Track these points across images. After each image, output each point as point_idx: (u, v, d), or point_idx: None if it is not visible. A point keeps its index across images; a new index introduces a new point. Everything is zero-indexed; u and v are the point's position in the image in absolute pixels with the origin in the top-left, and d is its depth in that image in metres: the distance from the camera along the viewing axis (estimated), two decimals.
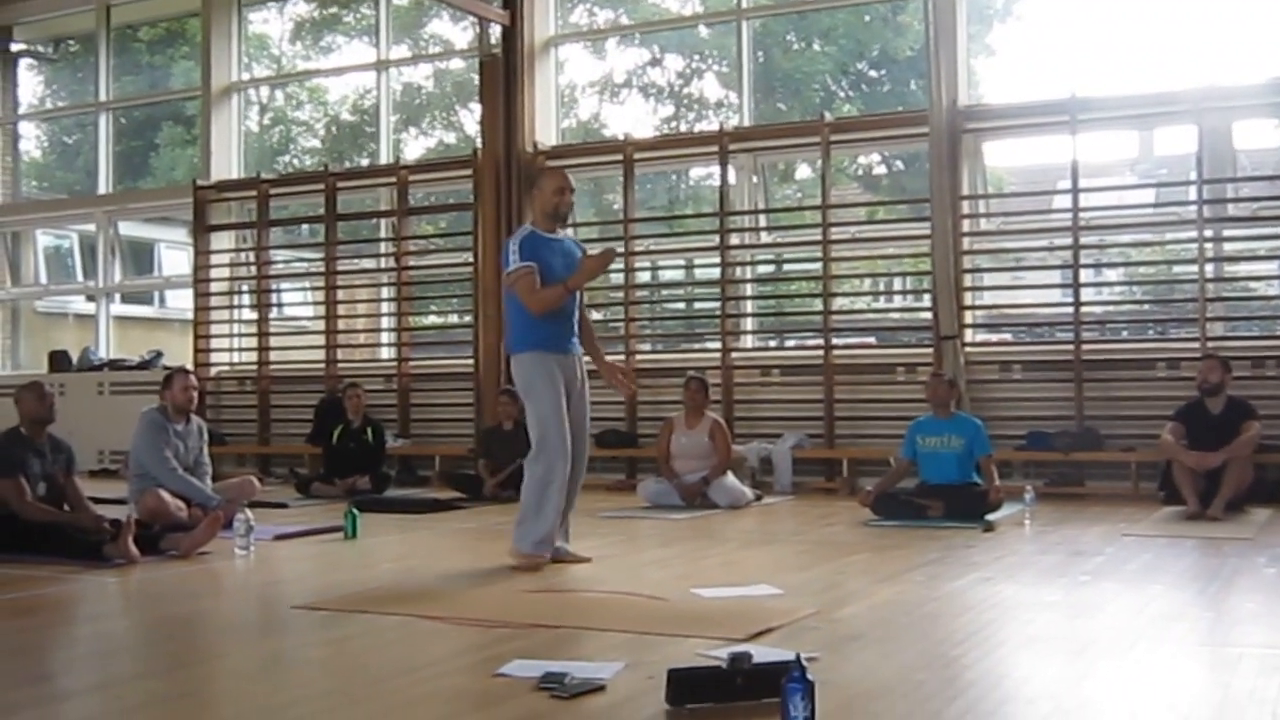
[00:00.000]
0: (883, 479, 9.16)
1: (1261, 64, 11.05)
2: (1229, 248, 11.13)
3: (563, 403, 6.61)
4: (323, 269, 14.12)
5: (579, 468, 6.80)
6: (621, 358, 12.34)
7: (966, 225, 11.40)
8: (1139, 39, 12.25)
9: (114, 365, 15.21)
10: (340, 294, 14.36)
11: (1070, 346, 10.81)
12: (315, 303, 14.91)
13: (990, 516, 8.30)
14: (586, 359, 6.96)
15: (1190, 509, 8.49)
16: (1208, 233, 10.58)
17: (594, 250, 6.95)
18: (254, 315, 14.55)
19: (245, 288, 14.83)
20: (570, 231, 7.41)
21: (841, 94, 14.61)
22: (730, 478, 9.95)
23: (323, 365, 13.81)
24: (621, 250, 12.52)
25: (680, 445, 9.94)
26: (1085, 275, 11.13)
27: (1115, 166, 14.19)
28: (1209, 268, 10.58)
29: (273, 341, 14.41)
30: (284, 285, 15.84)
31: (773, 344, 13.03)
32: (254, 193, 14.38)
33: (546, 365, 6.61)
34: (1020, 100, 11.55)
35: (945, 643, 4.66)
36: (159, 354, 15.14)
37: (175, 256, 17.91)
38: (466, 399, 12.86)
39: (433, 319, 15.93)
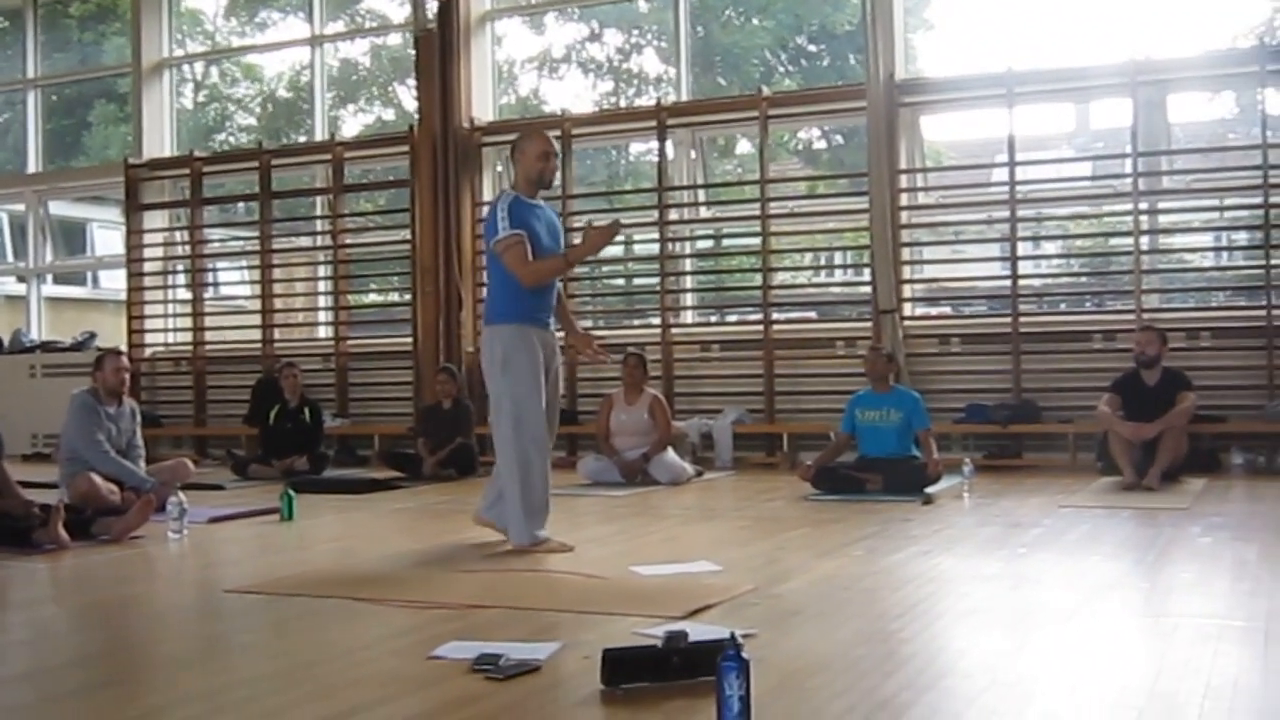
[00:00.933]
0: (822, 453, 9.17)
1: (1195, 37, 11.15)
2: (1164, 220, 11.21)
3: (542, 380, 6.33)
4: (258, 248, 13.96)
5: (547, 449, 6.52)
6: (561, 333, 12.27)
7: (905, 199, 11.42)
8: (1074, 12, 12.30)
9: (46, 347, 14.97)
10: (277, 273, 14.20)
11: (1008, 319, 10.87)
12: (251, 282, 14.76)
13: (929, 489, 8.33)
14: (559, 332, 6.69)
15: (1126, 480, 8.57)
16: (1143, 205, 10.65)
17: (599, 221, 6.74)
18: (189, 295, 14.35)
19: (180, 267, 14.63)
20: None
21: (781, 69, 14.58)
22: (670, 454, 9.94)
23: (259, 345, 13.66)
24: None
25: (620, 422, 9.90)
26: (1023, 248, 11.17)
27: (1052, 140, 14.25)
28: (1144, 240, 10.66)
29: (208, 321, 14.24)
30: (219, 264, 15.64)
31: (713, 319, 13.01)
32: (187, 171, 14.18)
33: (528, 339, 6.30)
34: (957, 74, 11.55)
35: (883, 617, 4.66)
36: (92, 335, 14.92)
37: (108, 236, 17.66)
38: (405, 378, 12.78)
39: (371, 297, 15.78)
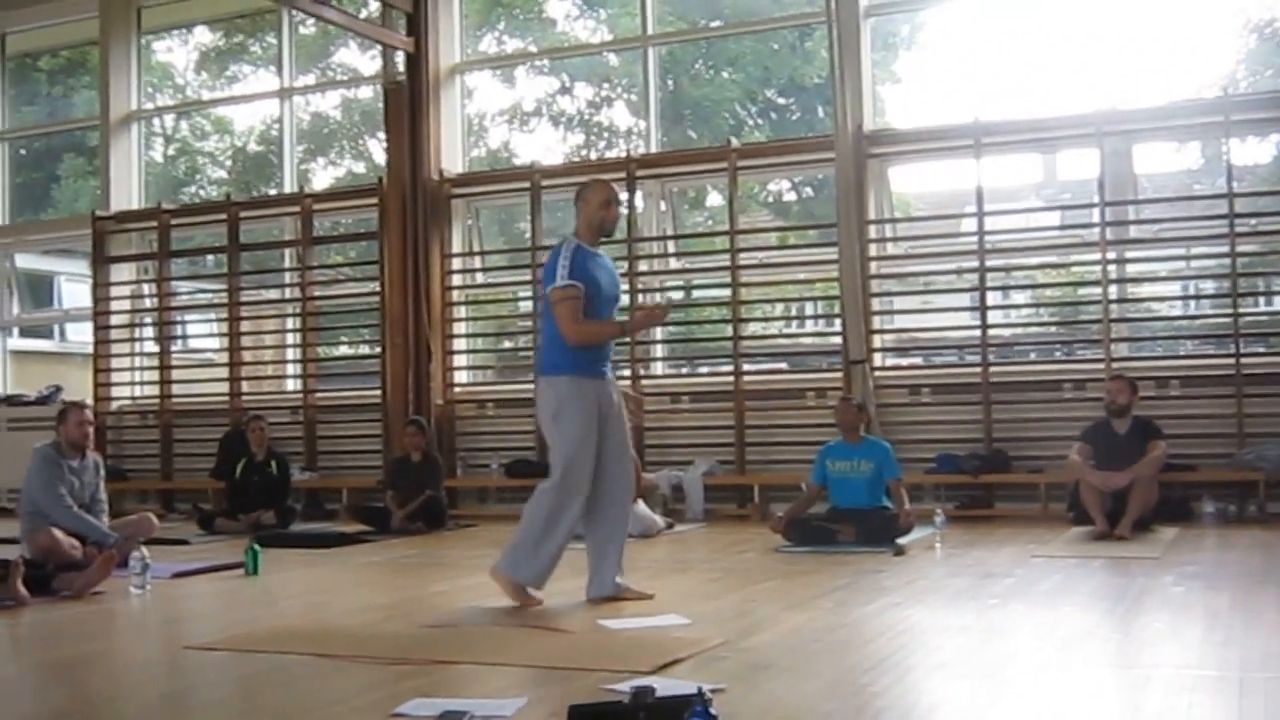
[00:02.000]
0: (793, 505, 9.12)
1: (1160, 88, 11.23)
2: (1132, 269, 11.25)
3: (593, 434, 6.17)
4: (226, 300, 13.89)
5: (625, 498, 6.43)
6: (532, 386, 12.24)
7: (874, 250, 11.44)
8: (1041, 64, 12.40)
9: (11, 400, 14.83)
10: (245, 325, 14.13)
11: (978, 369, 10.87)
12: (219, 334, 14.66)
13: (900, 540, 8.28)
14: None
15: (1098, 529, 8.54)
16: (1111, 255, 10.70)
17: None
18: (156, 348, 14.25)
19: (147, 320, 14.53)
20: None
21: (750, 121, 14.64)
22: (641, 506, 9.85)
23: (227, 398, 13.55)
24: (529, 278, 12.47)
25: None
26: (992, 298, 11.19)
27: (1020, 191, 14.34)
28: (1112, 289, 10.70)
29: (175, 374, 14.14)
30: (187, 317, 15.55)
31: (683, 370, 12.99)
32: (155, 223, 14.11)
33: (582, 391, 6.17)
34: (925, 125, 11.61)
35: (854, 670, 4.60)
36: (58, 389, 14.77)
37: (76, 289, 17.53)
38: (374, 430, 12.70)
39: (340, 350, 15.71)
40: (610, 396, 6.36)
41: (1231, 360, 10.19)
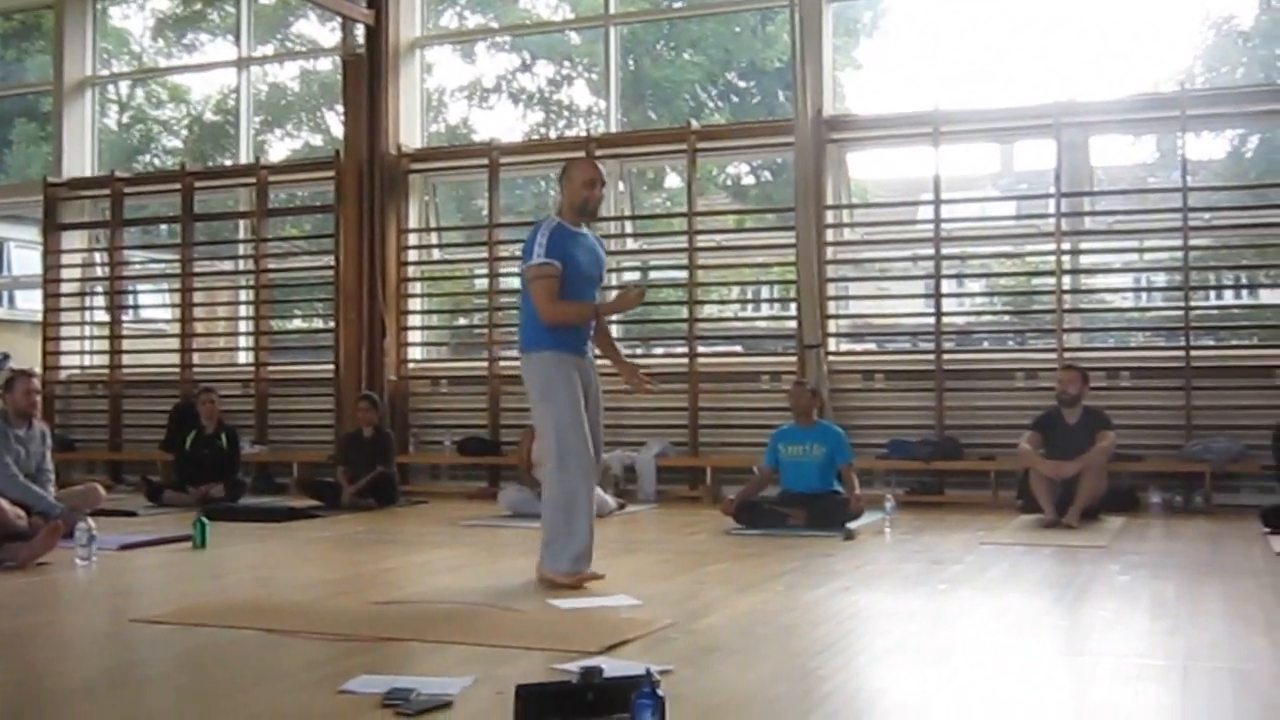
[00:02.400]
0: (745, 487, 9.14)
1: (1117, 81, 11.29)
2: (1085, 260, 11.32)
3: (583, 409, 6.15)
4: (179, 271, 13.75)
5: (592, 482, 6.33)
6: (485, 364, 12.22)
7: (831, 235, 11.45)
8: (1001, 55, 12.45)
9: None
10: (198, 296, 14.01)
11: (931, 356, 10.91)
12: (171, 305, 14.52)
13: (851, 525, 8.31)
14: (601, 360, 6.54)
15: (1047, 517, 8.61)
16: (1065, 246, 10.76)
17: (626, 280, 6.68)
18: (107, 317, 14.11)
19: (98, 289, 14.38)
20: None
21: (710, 104, 14.62)
22: None
23: (178, 369, 13.44)
24: (485, 255, 12.42)
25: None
26: (947, 286, 11.23)
27: (977, 180, 14.42)
28: (1066, 280, 10.76)
29: (126, 345, 14.00)
30: (139, 287, 15.40)
31: (639, 351, 12.97)
32: (108, 191, 13.94)
33: (566, 367, 6.15)
34: (884, 112, 11.63)
35: (803, 653, 4.61)
36: (6, 356, 14.60)
37: (26, 256, 17.36)
38: (326, 405, 12.62)
39: (294, 323, 15.59)
40: (590, 375, 6.35)
41: (1181, 353, 10.28)
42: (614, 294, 6.54)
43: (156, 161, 16.23)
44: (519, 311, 6.50)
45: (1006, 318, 12.27)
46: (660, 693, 3.14)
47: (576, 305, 6.23)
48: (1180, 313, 10.44)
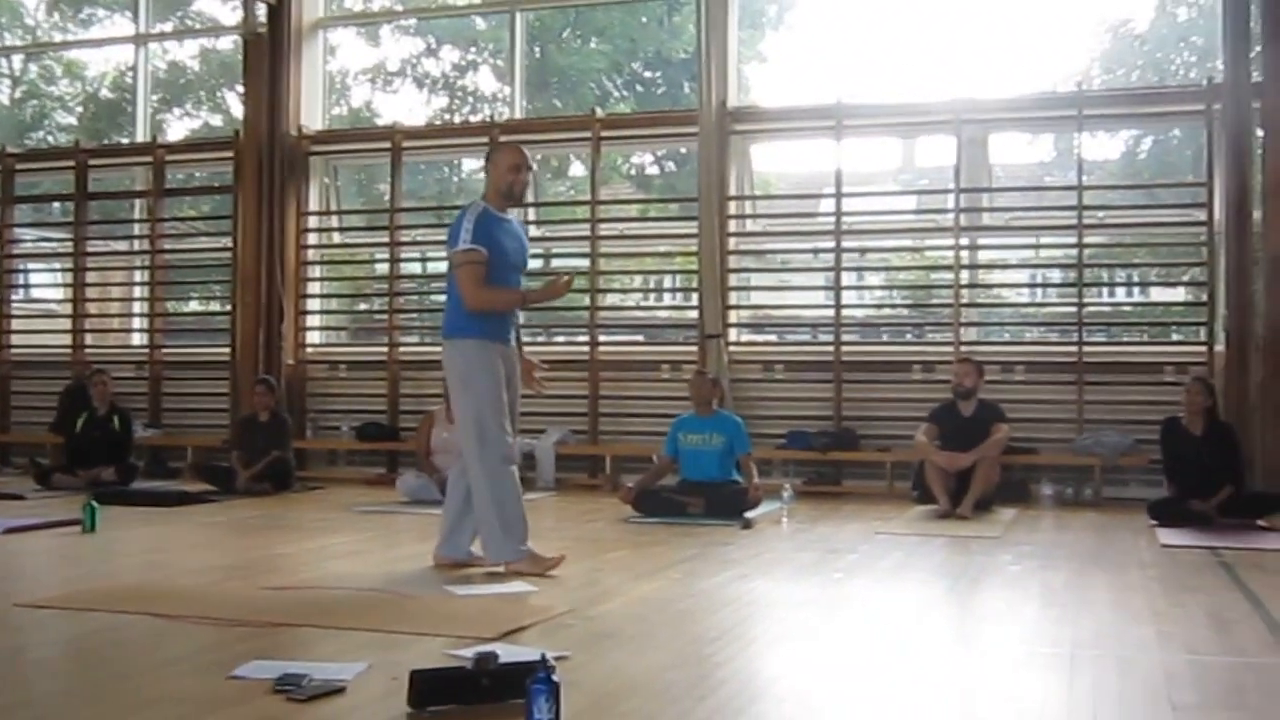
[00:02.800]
0: (644, 476, 9.16)
1: (1017, 80, 11.47)
2: (983, 256, 11.48)
3: (503, 396, 6.09)
4: (72, 250, 13.46)
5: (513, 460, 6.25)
6: (385, 349, 12.12)
7: (733, 226, 11.50)
8: (903, 51, 12.59)
9: None
10: (91, 276, 13.71)
11: (830, 348, 11.00)
12: (63, 285, 14.19)
13: (749, 514, 8.36)
14: None
15: (941, 508, 8.72)
16: (964, 241, 10.90)
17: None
18: None
19: None
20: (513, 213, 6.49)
21: (616, 93, 14.64)
22: None
23: (69, 350, 13.17)
24: (386, 240, 12.31)
25: (441, 440, 9.75)
26: (846, 279, 11.32)
27: (878, 174, 14.53)
28: (964, 274, 10.90)
29: (15, 324, 13.69)
30: (29, 265, 15.04)
31: (539, 339, 12.93)
32: None
33: (488, 355, 6.07)
34: (788, 104, 11.70)
35: (698, 640, 4.63)
36: None
37: None
38: (222, 389, 12.43)
39: (191, 305, 15.35)
40: (513, 364, 6.31)
41: (1074, 348, 10.46)
42: (541, 285, 6.42)
43: (50, 139, 15.88)
44: (445, 297, 6.38)
45: (905, 311, 12.41)
46: (555, 678, 3.13)
47: (505, 292, 6.17)
48: (1074, 309, 10.62)
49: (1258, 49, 9.75)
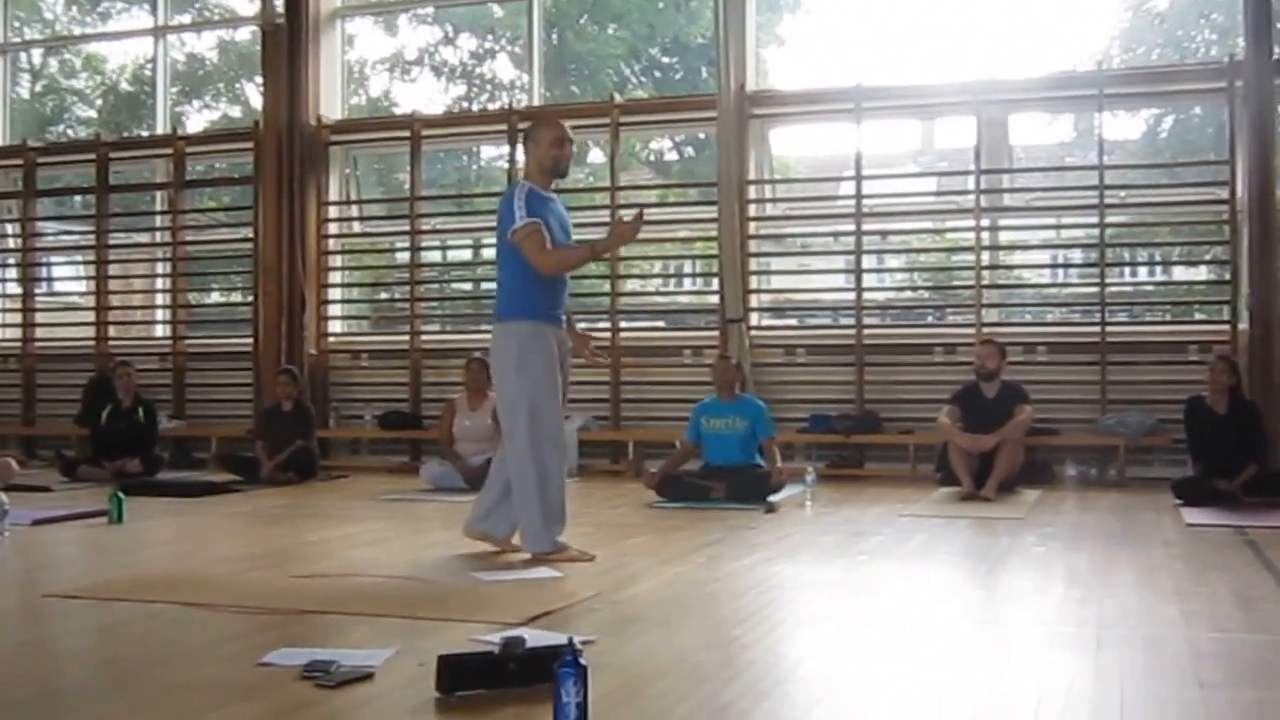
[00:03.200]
0: (667, 461, 9.18)
1: (1036, 60, 11.42)
2: (1004, 237, 11.44)
3: (557, 379, 6.07)
4: (94, 243, 13.51)
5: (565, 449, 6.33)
6: (407, 338, 12.14)
7: (753, 210, 11.49)
8: (922, 32, 12.55)
9: None
10: (113, 269, 13.77)
11: (852, 331, 10.99)
12: (86, 278, 14.27)
13: (772, 498, 8.35)
14: None
15: (965, 490, 8.71)
16: (984, 222, 10.87)
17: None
18: (19, 290, 13.85)
19: (10, 261, 14.11)
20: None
21: (634, 79, 14.62)
22: None
23: (93, 343, 13.22)
24: (407, 229, 12.33)
25: (463, 428, 9.78)
26: (867, 262, 11.31)
27: (898, 157, 14.49)
28: (985, 256, 10.87)
29: (39, 318, 13.76)
30: (53, 259, 15.10)
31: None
32: (20, 161, 13.65)
33: (543, 337, 6.04)
34: (807, 88, 11.67)
35: (725, 623, 4.64)
36: None
37: None
38: (245, 379, 12.48)
39: (213, 296, 15.40)
40: (565, 345, 6.27)
41: (1097, 329, 10.42)
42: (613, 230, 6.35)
43: (71, 132, 15.93)
44: (497, 282, 6.33)
45: (926, 293, 12.38)
46: (583, 662, 3.14)
47: (572, 250, 6.14)
48: (1096, 289, 10.58)
49: (1278, 25, 9.68)
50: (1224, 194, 10.26)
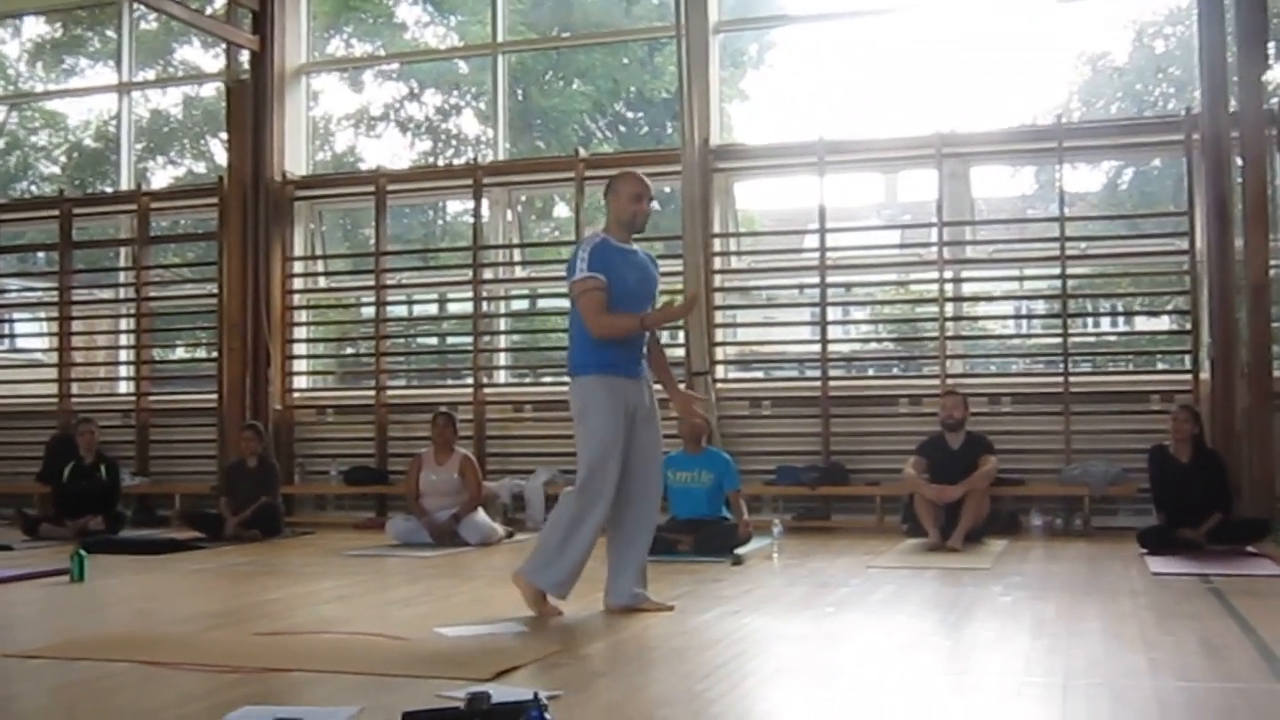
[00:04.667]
0: None
1: (997, 113, 11.54)
2: (967, 289, 11.53)
3: (620, 436, 5.92)
4: (57, 299, 13.44)
5: (650, 507, 6.18)
6: (372, 393, 12.09)
7: (718, 263, 11.55)
8: (884, 87, 12.66)
9: None
10: (76, 325, 13.69)
11: (818, 383, 11.02)
12: (48, 334, 14.17)
13: (739, 550, 8.34)
14: (656, 385, 6.31)
15: (931, 540, 8.72)
16: (948, 274, 10.95)
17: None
18: None
19: None
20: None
21: (599, 134, 14.69)
22: (481, 514, 9.82)
23: (55, 400, 13.13)
24: (372, 283, 12.32)
25: (429, 482, 9.74)
26: (832, 314, 11.36)
27: (861, 209, 14.61)
28: (949, 307, 10.94)
29: (1, 375, 13.64)
30: (14, 315, 15.01)
31: (526, 379, 12.93)
32: None
33: (612, 391, 5.91)
34: (770, 142, 11.75)
35: (691, 677, 4.61)
36: None
37: None
38: (209, 435, 12.40)
39: (177, 352, 15.33)
40: (643, 397, 6.13)
41: (1060, 379, 10.49)
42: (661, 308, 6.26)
43: (34, 189, 15.89)
44: (568, 333, 6.23)
45: (890, 345, 12.44)
46: (548, 717, 3.12)
47: (623, 317, 5.95)
48: (1059, 339, 10.65)
49: (1234, 79, 9.82)
50: (1184, 244, 10.37)
